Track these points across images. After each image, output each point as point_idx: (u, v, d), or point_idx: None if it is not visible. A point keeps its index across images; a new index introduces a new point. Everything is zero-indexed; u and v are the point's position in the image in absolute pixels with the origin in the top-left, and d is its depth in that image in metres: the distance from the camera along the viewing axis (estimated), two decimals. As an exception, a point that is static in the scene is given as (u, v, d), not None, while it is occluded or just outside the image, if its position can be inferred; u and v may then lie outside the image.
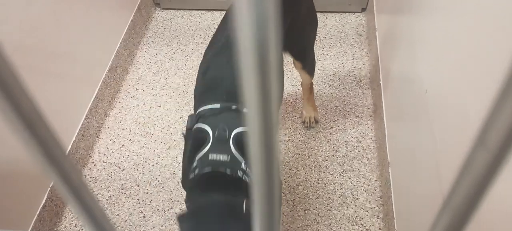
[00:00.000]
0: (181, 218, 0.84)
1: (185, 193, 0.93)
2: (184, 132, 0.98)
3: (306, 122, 1.73)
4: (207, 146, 0.86)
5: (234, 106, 0.88)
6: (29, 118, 0.13)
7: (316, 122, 1.74)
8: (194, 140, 0.91)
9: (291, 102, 1.83)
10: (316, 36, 2.04)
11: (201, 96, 0.99)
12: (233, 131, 0.85)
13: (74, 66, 1.67)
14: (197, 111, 0.95)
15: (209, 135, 0.86)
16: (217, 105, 0.90)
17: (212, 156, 0.84)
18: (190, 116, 0.98)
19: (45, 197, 1.48)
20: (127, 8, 2.07)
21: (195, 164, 0.87)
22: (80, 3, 1.68)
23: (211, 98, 0.94)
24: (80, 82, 1.71)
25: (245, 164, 0.85)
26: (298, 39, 1.34)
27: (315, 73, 1.60)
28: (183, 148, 1.02)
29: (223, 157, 0.84)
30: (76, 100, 1.68)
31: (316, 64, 1.61)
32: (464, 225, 0.18)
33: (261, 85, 0.14)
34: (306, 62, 1.49)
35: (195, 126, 0.92)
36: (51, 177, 0.15)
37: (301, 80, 1.65)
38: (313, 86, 1.67)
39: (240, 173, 0.84)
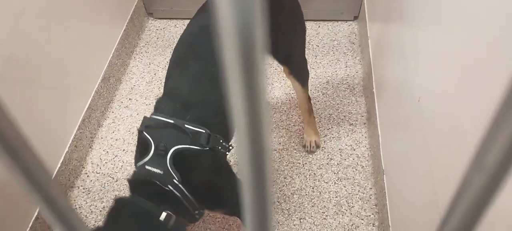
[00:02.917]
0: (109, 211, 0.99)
1: None
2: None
3: (307, 146, 1.69)
4: (147, 156, 0.97)
5: (179, 123, 0.98)
6: (11, 144, 0.12)
7: (318, 146, 1.69)
8: (140, 146, 1.02)
9: (285, 111, 1.84)
10: (309, 45, 2.05)
11: (158, 103, 1.09)
12: (171, 148, 0.96)
13: (67, 77, 1.65)
14: (150, 117, 1.04)
15: (151, 147, 0.97)
16: (165, 119, 1.00)
17: (148, 167, 0.97)
18: (145, 117, 1.06)
19: (38, 208, 1.46)
20: (119, 18, 2.07)
21: (136, 169, 1.00)
22: (72, 13, 1.67)
23: (164, 109, 1.04)
24: (73, 92, 1.70)
25: (178, 179, 0.96)
26: (282, 41, 1.31)
27: (308, 82, 1.57)
28: None
29: (157, 170, 0.96)
30: (69, 110, 1.67)
31: (309, 73, 1.58)
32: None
33: (247, 87, 0.13)
34: (293, 67, 1.44)
35: (143, 133, 1.01)
36: (37, 204, 0.14)
37: (298, 101, 1.62)
38: (313, 109, 1.63)
39: (170, 186, 0.96)
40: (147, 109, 1.89)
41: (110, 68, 1.93)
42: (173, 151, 0.96)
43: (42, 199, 0.14)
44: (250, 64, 0.13)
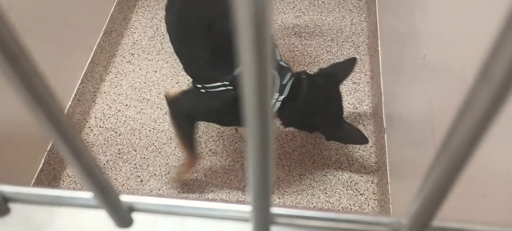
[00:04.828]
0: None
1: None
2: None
3: None
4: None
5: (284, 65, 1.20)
6: (27, 76, 0.13)
7: None
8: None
9: (288, 68, 1.82)
10: (314, 1, 2.00)
11: (209, 65, 1.09)
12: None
13: (68, 29, 1.64)
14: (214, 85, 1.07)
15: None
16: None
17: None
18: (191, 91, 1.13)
19: (43, 160, 1.49)
20: (121, -30, 2.02)
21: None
22: (73, -36, 1.63)
23: (223, 72, 1.06)
24: (75, 46, 1.69)
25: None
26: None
27: (314, 39, 1.54)
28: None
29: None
30: (71, 64, 1.67)
31: (315, 30, 1.55)
32: (463, 165, 0.18)
33: (256, 45, 0.14)
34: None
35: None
36: (51, 136, 0.15)
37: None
38: None
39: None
40: (150, 65, 1.88)
41: (112, 22, 1.91)
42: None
43: (55, 132, 0.14)
44: (260, 24, 0.13)
